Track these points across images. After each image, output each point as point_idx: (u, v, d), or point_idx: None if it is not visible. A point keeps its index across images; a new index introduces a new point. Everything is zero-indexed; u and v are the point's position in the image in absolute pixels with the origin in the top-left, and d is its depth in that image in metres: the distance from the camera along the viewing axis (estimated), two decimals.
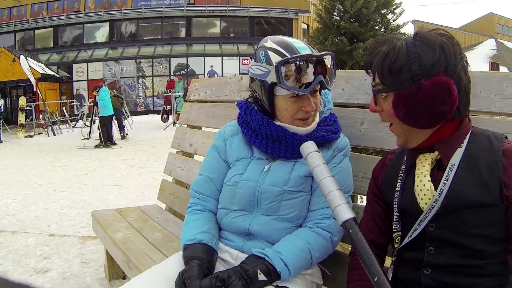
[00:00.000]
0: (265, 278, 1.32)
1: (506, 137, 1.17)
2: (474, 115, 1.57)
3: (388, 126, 1.26)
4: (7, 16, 28.60)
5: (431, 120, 1.12)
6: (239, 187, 1.53)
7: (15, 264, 3.32)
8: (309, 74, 1.40)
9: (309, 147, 1.26)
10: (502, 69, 25.39)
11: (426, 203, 1.15)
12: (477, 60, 28.46)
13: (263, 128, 1.52)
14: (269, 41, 1.50)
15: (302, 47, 1.46)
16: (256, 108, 1.59)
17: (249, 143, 1.61)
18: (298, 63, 1.40)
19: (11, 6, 28.53)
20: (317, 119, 1.58)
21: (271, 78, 1.44)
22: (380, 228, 1.33)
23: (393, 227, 1.25)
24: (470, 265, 1.11)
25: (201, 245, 1.43)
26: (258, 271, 1.31)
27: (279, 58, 1.42)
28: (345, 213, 1.10)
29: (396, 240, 1.23)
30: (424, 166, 1.19)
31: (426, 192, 1.15)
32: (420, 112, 1.11)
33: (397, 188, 1.25)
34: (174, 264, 1.45)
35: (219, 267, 1.46)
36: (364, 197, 2.80)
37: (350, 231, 1.07)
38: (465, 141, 1.16)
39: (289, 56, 1.42)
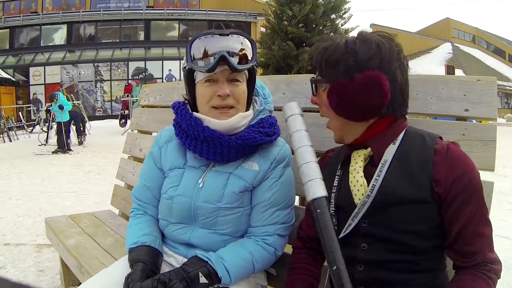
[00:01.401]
0: (206, 281, 1.33)
1: (440, 138, 1.20)
2: (411, 118, 1.65)
3: (325, 128, 1.27)
4: None
5: (362, 112, 1.16)
6: (175, 202, 1.50)
7: None
8: (215, 53, 1.37)
9: (292, 108, 1.19)
10: (458, 71, 26.18)
11: (359, 199, 1.17)
12: (434, 63, 29.34)
13: (191, 128, 1.45)
14: None
15: (223, 31, 1.42)
16: (187, 107, 1.54)
17: (183, 150, 1.57)
18: (204, 41, 1.39)
19: None
20: (246, 114, 1.48)
21: (185, 60, 1.45)
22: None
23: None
24: (402, 261, 1.14)
25: (144, 247, 1.44)
26: (200, 274, 1.32)
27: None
28: (317, 190, 1.05)
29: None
30: (357, 162, 1.21)
31: (359, 188, 1.17)
32: (351, 104, 1.14)
33: (334, 184, 1.27)
34: (122, 267, 1.45)
35: (165, 269, 1.45)
36: None
37: (318, 210, 1.04)
38: (399, 138, 1.19)
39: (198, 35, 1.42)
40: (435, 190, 1.11)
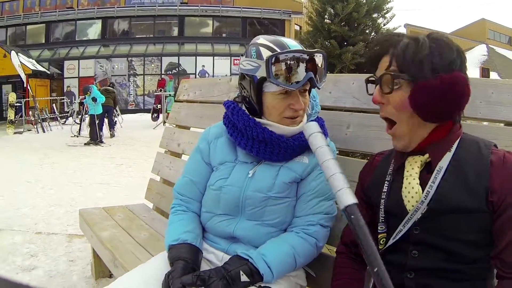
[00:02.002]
0: (248, 280, 1.32)
1: (495, 145, 1.18)
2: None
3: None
4: None
5: (443, 113, 1.14)
6: (223, 192, 1.51)
7: (1, 262, 3.31)
8: (299, 71, 1.39)
9: (312, 127, 1.21)
10: (493, 74, 25.62)
11: (412, 206, 1.15)
12: (468, 65, 28.62)
13: (249, 128, 1.49)
14: (261, 38, 1.49)
15: (294, 45, 1.45)
16: (243, 108, 1.56)
17: (233, 146, 1.59)
18: (288, 58, 1.39)
19: (3, 1, 28.27)
20: (305, 120, 1.55)
21: (261, 73, 1.42)
22: None
23: (379, 228, 1.24)
24: (453, 269, 1.12)
25: (185, 245, 1.44)
26: (241, 272, 1.32)
27: (270, 53, 1.41)
28: (348, 198, 1.05)
29: (381, 242, 1.23)
30: (413, 168, 1.19)
31: (413, 194, 1.16)
32: (437, 104, 1.11)
33: (384, 189, 1.25)
34: (159, 263, 1.46)
35: (205, 267, 1.47)
36: None
37: (352, 217, 1.04)
38: (454, 146, 1.17)
39: (280, 51, 1.41)
40: (489, 199, 1.08)
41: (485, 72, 24.40)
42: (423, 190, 1.15)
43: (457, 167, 1.14)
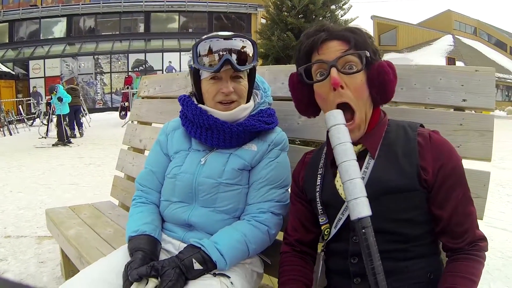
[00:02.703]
0: (201, 267, 1.36)
1: (421, 125, 1.24)
2: (408, 107, 1.65)
3: (323, 117, 1.30)
4: None
5: (391, 94, 1.21)
6: (178, 180, 1.58)
7: None
8: (219, 55, 1.49)
9: (336, 117, 1.11)
10: (459, 63, 26.15)
11: None
12: (435, 55, 29.31)
13: (196, 117, 1.58)
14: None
15: (226, 35, 1.53)
16: (193, 99, 1.66)
17: (188, 136, 1.67)
18: (209, 44, 1.50)
19: None
20: (247, 106, 1.62)
21: (192, 60, 1.55)
22: (305, 227, 1.37)
23: (320, 220, 1.28)
24: (395, 250, 1.15)
25: (144, 236, 1.48)
26: (194, 260, 1.35)
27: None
28: (363, 209, 1.01)
29: (325, 233, 1.26)
30: None
31: None
32: (391, 84, 1.19)
33: (317, 183, 1.30)
34: (121, 255, 1.49)
35: (163, 257, 1.50)
36: None
37: (363, 230, 1.01)
38: (383, 132, 1.23)
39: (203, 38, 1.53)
40: (422, 177, 1.14)
41: (451, 62, 24.97)
42: None
43: (387, 151, 1.19)
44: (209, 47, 1.50)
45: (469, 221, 1.16)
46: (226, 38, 1.51)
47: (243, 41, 1.53)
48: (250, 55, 1.55)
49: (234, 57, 1.50)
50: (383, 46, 32.73)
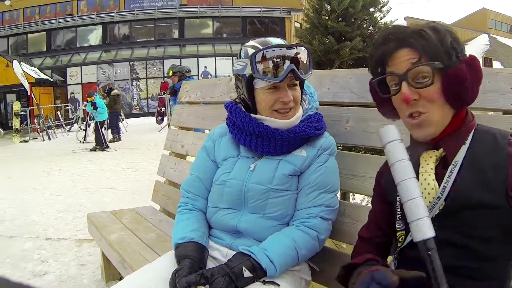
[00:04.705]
0: (251, 275, 1.34)
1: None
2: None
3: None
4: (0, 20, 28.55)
5: (472, 97, 1.11)
6: (227, 186, 1.57)
7: (13, 268, 3.35)
8: (281, 64, 1.46)
9: (391, 133, 1.09)
10: (495, 64, 25.43)
11: (429, 202, 1.12)
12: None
13: (246, 124, 1.56)
14: (251, 40, 1.57)
15: (278, 42, 1.52)
16: (240, 106, 1.64)
17: (236, 143, 1.66)
18: (273, 55, 1.46)
19: (3, 10, 28.48)
20: (299, 114, 1.61)
21: (248, 70, 1.50)
22: (381, 227, 1.32)
23: (397, 225, 1.22)
24: (470, 267, 1.08)
25: (191, 243, 1.47)
26: (243, 268, 1.34)
27: (253, 51, 1.48)
28: (428, 230, 0.99)
29: (400, 239, 1.21)
30: (428, 164, 1.16)
31: (430, 190, 1.13)
32: (469, 88, 1.09)
33: None
34: (167, 262, 1.49)
35: (210, 264, 1.49)
36: (357, 196, 2.80)
37: (429, 252, 0.99)
38: (469, 138, 1.13)
39: (261, 47, 1.48)
40: (510, 193, 1.04)
41: (487, 62, 24.20)
42: (439, 186, 1.12)
43: (473, 161, 1.10)
44: (269, 56, 1.47)
45: None
46: (289, 47, 1.48)
47: (301, 49, 1.51)
48: (307, 63, 1.53)
49: (297, 68, 1.48)
50: None
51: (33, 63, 23.99)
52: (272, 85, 1.51)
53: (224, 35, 27.18)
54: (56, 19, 26.63)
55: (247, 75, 1.54)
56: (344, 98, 1.92)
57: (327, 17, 3.34)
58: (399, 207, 1.21)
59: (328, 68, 3.21)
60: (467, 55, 1.12)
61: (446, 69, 1.09)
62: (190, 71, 6.68)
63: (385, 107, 1.25)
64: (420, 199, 1.01)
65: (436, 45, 1.09)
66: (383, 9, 3.68)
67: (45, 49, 26.73)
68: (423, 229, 0.98)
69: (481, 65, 1.14)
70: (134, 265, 1.98)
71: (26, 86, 17.27)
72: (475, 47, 30.35)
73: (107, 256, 2.54)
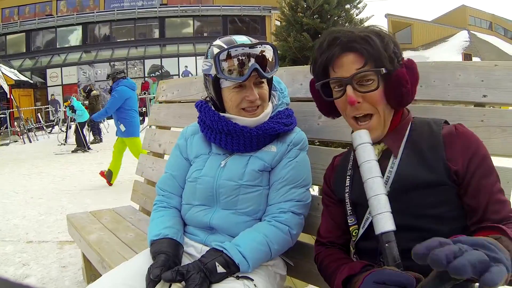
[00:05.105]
0: (224, 270, 1.36)
1: (445, 122, 1.23)
2: (428, 105, 1.63)
3: (341, 118, 1.28)
4: None
5: (412, 96, 1.20)
6: (198, 183, 1.59)
7: None
8: (246, 63, 1.47)
9: (361, 137, 1.17)
10: (475, 59, 25.74)
11: None
12: (450, 51, 28.90)
13: (215, 123, 1.58)
14: (217, 40, 1.58)
15: (244, 40, 1.53)
16: (210, 105, 1.66)
17: (208, 140, 1.68)
18: (237, 54, 1.47)
19: None
20: (268, 110, 1.61)
21: (214, 70, 1.51)
22: (340, 226, 1.36)
23: (349, 221, 1.28)
24: None
25: (166, 239, 1.49)
26: (217, 264, 1.35)
27: (218, 51, 1.49)
28: (386, 224, 1.04)
29: (354, 233, 1.26)
30: None
31: None
32: (409, 89, 1.17)
33: (346, 184, 1.30)
34: (143, 259, 1.50)
35: (185, 261, 1.51)
36: (316, 188, 2.83)
37: (387, 245, 1.04)
38: (407, 130, 1.23)
39: (225, 47, 1.49)
40: (451, 169, 1.12)
41: (467, 58, 24.59)
42: (383, 176, 1.18)
43: (412, 148, 1.19)
44: (233, 55, 1.47)
45: (506, 209, 1.12)
46: (251, 46, 1.48)
47: (265, 47, 1.51)
48: (273, 60, 1.54)
49: (258, 64, 1.48)
50: None
51: (12, 64, 23.78)
52: (237, 84, 1.52)
53: (205, 34, 27.23)
54: (35, 19, 26.41)
55: (213, 75, 1.54)
56: None
57: (302, 14, 3.37)
58: (349, 203, 1.29)
59: (304, 64, 3.24)
60: (405, 58, 1.22)
61: (390, 74, 1.16)
62: (123, 73, 6.68)
63: (325, 108, 1.34)
64: (383, 196, 1.07)
65: (381, 51, 1.16)
66: (359, 5, 3.73)
67: (24, 50, 26.51)
68: (382, 222, 1.04)
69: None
70: (112, 264, 1.98)
71: (6, 88, 17.03)
72: (455, 44, 30.74)
73: (87, 256, 2.55)
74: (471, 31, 34.67)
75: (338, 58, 1.19)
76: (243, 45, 1.49)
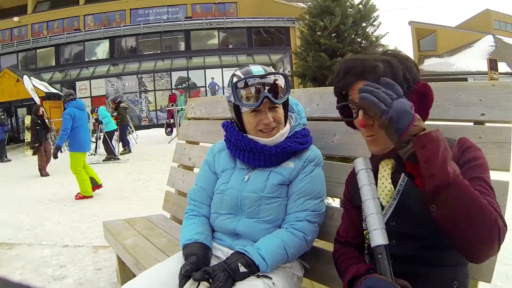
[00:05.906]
0: (246, 270, 1.55)
1: (455, 141, 1.31)
2: (429, 123, 1.77)
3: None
4: (9, 36, 29.03)
5: (423, 118, 1.25)
6: (225, 195, 1.80)
7: (33, 273, 3.58)
8: (260, 91, 1.69)
9: (360, 164, 1.30)
10: (501, 64, 24.61)
11: (387, 202, 1.32)
12: (475, 57, 27.89)
13: (239, 141, 1.80)
14: (237, 69, 1.81)
15: (259, 71, 1.74)
16: (234, 125, 1.88)
17: (233, 157, 1.90)
18: (249, 83, 1.70)
19: (12, 26, 28.92)
20: (284, 131, 1.80)
21: (233, 98, 1.76)
22: (357, 228, 1.47)
23: (363, 226, 1.39)
24: (428, 255, 1.24)
25: (197, 243, 1.69)
26: (239, 264, 1.55)
27: (235, 80, 1.74)
28: (379, 239, 1.19)
29: (366, 237, 1.37)
30: (385, 170, 1.36)
31: (387, 192, 1.32)
32: (419, 113, 1.18)
33: None
34: (175, 260, 1.70)
35: (214, 263, 1.69)
36: (337, 200, 2.95)
37: (379, 256, 1.18)
38: None
39: (242, 77, 1.72)
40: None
41: (493, 63, 23.32)
42: (395, 188, 1.32)
43: None
44: (247, 85, 1.70)
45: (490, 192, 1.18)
46: (262, 76, 1.71)
47: (275, 76, 1.72)
48: (283, 87, 1.74)
49: (270, 92, 1.69)
50: (422, 52, 31.53)
51: (43, 77, 24.26)
52: (253, 109, 1.74)
53: (230, 46, 27.44)
54: (64, 34, 26.99)
55: (233, 102, 1.77)
56: (332, 113, 2.07)
57: (320, 33, 3.50)
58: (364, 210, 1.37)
59: (323, 82, 3.38)
60: (420, 82, 1.31)
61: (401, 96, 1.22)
62: (71, 95, 7.24)
63: (351, 124, 1.46)
64: (377, 215, 1.22)
65: (395, 74, 1.26)
66: (374, 23, 3.82)
67: (54, 64, 27.12)
68: (376, 237, 1.20)
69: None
70: (147, 266, 2.06)
71: (37, 100, 17.50)
72: (481, 49, 29.70)
73: (122, 259, 2.71)
74: (496, 36, 33.74)
75: (353, 85, 1.32)
76: (254, 76, 1.72)
